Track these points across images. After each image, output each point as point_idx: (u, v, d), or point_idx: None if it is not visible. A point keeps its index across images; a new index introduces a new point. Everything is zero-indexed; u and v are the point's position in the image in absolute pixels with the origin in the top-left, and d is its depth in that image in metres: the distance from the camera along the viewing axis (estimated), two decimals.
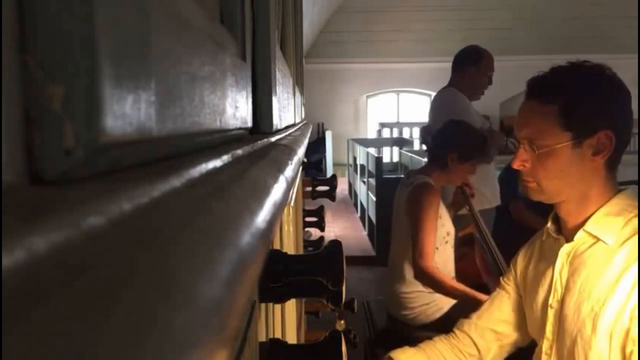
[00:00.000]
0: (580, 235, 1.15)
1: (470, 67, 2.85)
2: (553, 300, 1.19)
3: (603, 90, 1.13)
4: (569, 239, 1.18)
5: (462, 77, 2.86)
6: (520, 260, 1.35)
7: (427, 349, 1.36)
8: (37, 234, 0.11)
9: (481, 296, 1.84)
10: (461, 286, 1.99)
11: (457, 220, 2.27)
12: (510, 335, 1.35)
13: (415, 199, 2.08)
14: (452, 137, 2.12)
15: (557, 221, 1.24)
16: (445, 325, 1.60)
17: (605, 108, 1.12)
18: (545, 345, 1.21)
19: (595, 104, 1.12)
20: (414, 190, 2.10)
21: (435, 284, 2.01)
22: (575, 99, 1.12)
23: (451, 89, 2.87)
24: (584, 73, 1.15)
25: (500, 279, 1.41)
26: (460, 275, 2.21)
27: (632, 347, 1.04)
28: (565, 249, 1.18)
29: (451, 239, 2.18)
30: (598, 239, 1.13)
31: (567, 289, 1.16)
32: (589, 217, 1.15)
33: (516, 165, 1.17)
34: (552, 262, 1.21)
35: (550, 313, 1.19)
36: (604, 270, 1.10)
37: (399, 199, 2.24)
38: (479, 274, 2.27)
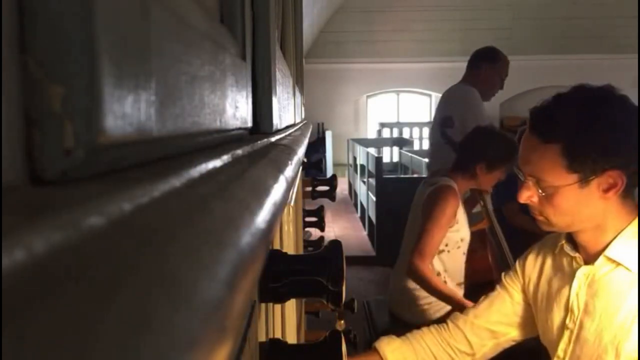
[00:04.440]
0: (600, 261, 1.11)
1: (485, 64, 2.88)
2: (569, 322, 1.16)
3: (608, 124, 1.05)
4: (588, 260, 1.15)
5: (476, 74, 2.89)
6: (530, 266, 1.30)
7: (414, 340, 1.31)
8: (37, 234, 0.11)
9: (467, 303, 1.82)
10: (450, 290, 1.99)
11: (470, 217, 2.26)
12: (508, 333, 1.33)
13: (433, 199, 2.08)
14: (481, 147, 2.08)
15: (573, 238, 1.18)
16: None
17: (612, 145, 1.04)
18: None
19: (600, 142, 1.04)
20: (435, 190, 2.10)
21: (424, 284, 2.01)
22: (579, 137, 1.05)
23: (465, 85, 2.90)
24: (587, 104, 1.07)
25: (503, 278, 1.36)
26: (470, 271, 2.21)
27: None
28: (584, 271, 1.14)
29: (464, 246, 2.17)
30: (619, 264, 1.09)
31: (586, 312, 1.13)
32: (608, 242, 1.11)
33: (522, 200, 1.13)
34: (568, 281, 1.17)
35: (566, 334, 1.17)
36: (627, 296, 1.07)
37: (418, 197, 2.24)
38: (489, 270, 2.26)
